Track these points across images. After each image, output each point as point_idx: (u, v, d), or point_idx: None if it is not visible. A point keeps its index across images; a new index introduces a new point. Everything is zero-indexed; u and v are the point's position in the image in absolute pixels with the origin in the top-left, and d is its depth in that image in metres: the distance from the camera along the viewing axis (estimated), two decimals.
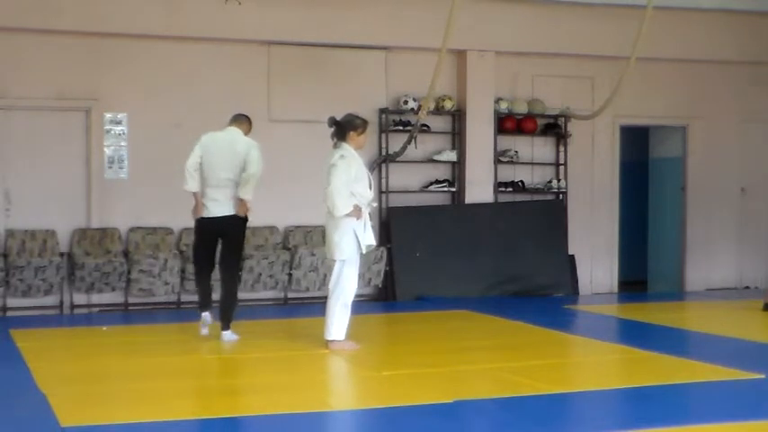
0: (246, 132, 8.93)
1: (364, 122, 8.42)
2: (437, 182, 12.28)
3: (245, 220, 8.84)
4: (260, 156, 8.74)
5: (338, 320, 8.22)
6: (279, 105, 11.71)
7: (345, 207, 8.08)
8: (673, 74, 13.15)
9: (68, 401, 6.31)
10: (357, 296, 11.78)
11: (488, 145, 12.36)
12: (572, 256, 12.68)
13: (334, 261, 8.28)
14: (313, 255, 11.31)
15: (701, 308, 12.00)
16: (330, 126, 8.33)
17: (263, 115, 11.58)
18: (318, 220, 11.86)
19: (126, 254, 10.95)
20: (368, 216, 8.30)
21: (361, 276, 11.56)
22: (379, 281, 11.79)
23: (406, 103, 11.99)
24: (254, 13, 11.23)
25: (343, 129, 8.30)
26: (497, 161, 12.42)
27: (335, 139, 8.35)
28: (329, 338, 8.20)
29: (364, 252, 8.33)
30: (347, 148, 8.26)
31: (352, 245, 8.19)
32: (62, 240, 10.95)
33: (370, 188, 8.33)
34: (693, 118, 13.37)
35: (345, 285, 8.26)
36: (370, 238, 8.30)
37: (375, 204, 8.49)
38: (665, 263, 13.61)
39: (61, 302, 10.85)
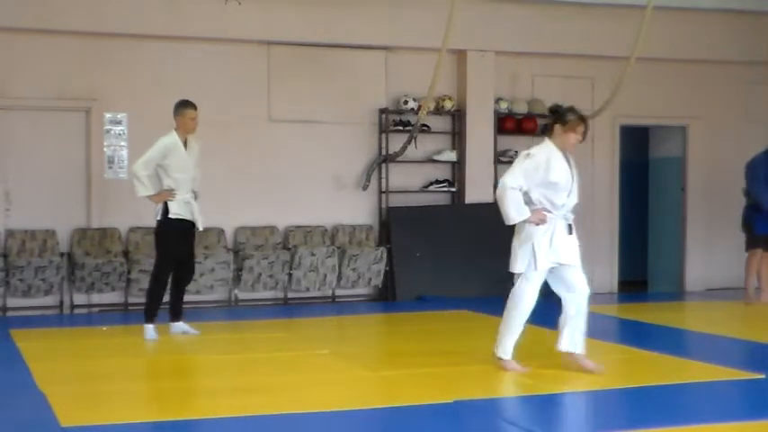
0: (174, 126, 9.02)
1: (579, 119, 7.10)
2: (437, 182, 12.28)
3: (159, 223, 8.90)
4: (151, 149, 8.84)
5: (506, 337, 7.27)
6: (279, 105, 11.71)
7: (517, 213, 6.98)
8: (673, 74, 13.14)
9: (68, 401, 6.30)
10: (357, 296, 11.95)
11: (488, 145, 12.36)
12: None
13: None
14: (313, 255, 11.32)
15: (701, 308, 11.99)
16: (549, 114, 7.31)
17: (263, 115, 11.63)
18: (318, 220, 11.94)
19: (126, 254, 10.95)
20: (563, 228, 7.09)
21: (360, 276, 11.69)
22: (379, 281, 11.80)
23: (406, 103, 11.99)
24: (254, 13, 11.23)
25: (552, 120, 7.17)
26: (497, 161, 12.41)
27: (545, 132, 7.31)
28: (498, 355, 7.31)
29: (538, 269, 7.10)
30: (544, 146, 7.12)
31: (526, 258, 7.11)
32: (62, 240, 10.94)
33: (569, 196, 7.09)
34: (693, 118, 13.36)
35: (517, 301, 7.20)
36: (556, 255, 7.06)
37: (572, 215, 7.19)
38: (665, 263, 13.61)
39: (61, 302, 10.86)
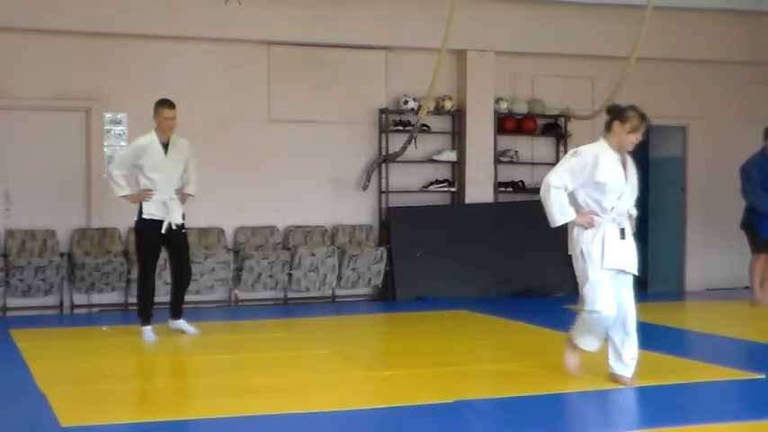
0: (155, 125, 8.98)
1: (640, 117, 6.66)
2: (437, 182, 12.28)
3: (135, 224, 9.00)
4: (126, 148, 9.11)
5: (577, 331, 6.88)
6: (279, 105, 11.71)
7: (561, 215, 6.57)
8: (673, 74, 13.14)
9: (68, 401, 6.30)
10: (357, 296, 11.95)
11: (488, 145, 12.36)
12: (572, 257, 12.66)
13: None
14: (313, 255, 11.32)
15: (701, 308, 12.00)
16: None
17: (263, 115, 11.63)
18: (318, 220, 11.94)
19: (126, 254, 10.95)
20: (614, 232, 6.62)
21: (360, 276, 11.69)
22: (379, 281, 11.79)
23: (406, 103, 11.99)
24: (254, 13, 11.23)
25: (610, 117, 6.75)
26: (497, 161, 12.41)
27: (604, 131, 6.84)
28: (571, 334, 6.95)
29: (599, 272, 6.61)
30: (595, 145, 6.76)
31: (581, 264, 6.68)
32: (62, 240, 10.95)
33: (620, 198, 6.62)
34: (693, 118, 13.36)
35: (585, 311, 6.74)
36: (612, 260, 6.59)
37: (626, 219, 6.71)
38: (665, 263, 13.60)
39: (61, 302, 10.86)
